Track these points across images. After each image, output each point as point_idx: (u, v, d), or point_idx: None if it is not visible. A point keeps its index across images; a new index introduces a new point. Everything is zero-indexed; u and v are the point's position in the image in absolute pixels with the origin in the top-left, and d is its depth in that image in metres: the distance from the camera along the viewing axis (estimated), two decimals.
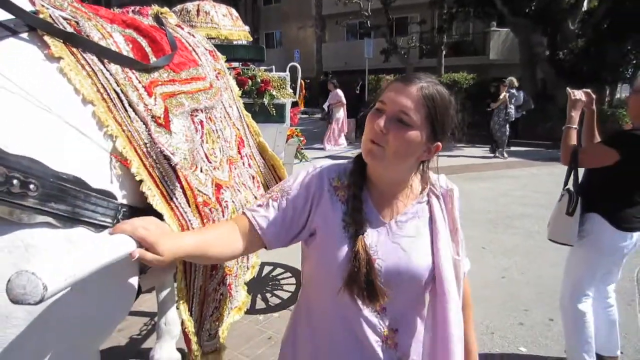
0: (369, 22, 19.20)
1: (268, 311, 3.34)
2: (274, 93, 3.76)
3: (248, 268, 1.88)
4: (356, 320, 1.15)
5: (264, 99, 3.73)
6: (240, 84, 3.48)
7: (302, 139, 4.39)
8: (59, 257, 0.84)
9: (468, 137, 11.74)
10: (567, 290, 2.57)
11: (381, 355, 1.16)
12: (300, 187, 1.18)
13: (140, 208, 1.14)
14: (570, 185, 2.50)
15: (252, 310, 3.33)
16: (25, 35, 1.03)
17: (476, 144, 11.52)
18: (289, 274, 3.93)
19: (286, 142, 4.06)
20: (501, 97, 10.10)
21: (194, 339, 1.41)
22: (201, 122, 1.51)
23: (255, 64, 4.20)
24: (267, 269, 4.02)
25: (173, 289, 2.76)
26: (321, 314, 1.21)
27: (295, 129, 4.27)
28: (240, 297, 1.74)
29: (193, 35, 1.93)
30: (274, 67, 4.18)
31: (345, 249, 1.11)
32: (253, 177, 1.96)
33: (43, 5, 1.11)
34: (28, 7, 1.07)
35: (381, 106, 1.09)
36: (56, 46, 1.06)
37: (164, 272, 1.48)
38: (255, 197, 1.88)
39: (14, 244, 0.88)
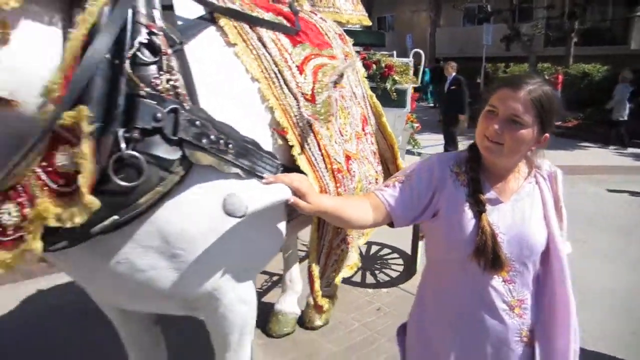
0: (489, 6, 18.24)
1: (377, 286, 3.51)
2: (396, 78, 3.86)
3: (362, 234, 2.11)
4: (485, 289, 1.28)
5: (387, 84, 3.85)
6: (365, 68, 3.62)
7: (417, 125, 4.46)
8: (254, 191, 1.13)
9: (595, 136, 10.82)
10: None
11: (508, 321, 1.28)
12: (423, 172, 1.34)
13: (289, 168, 1.38)
14: None
15: (362, 284, 3.53)
16: (212, 25, 1.31)
17: (605, 144, 10.52)
18: (396, 255, 4.06)
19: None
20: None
21: (317, 281, 1.67)
22: (335, 99, 1.72)
23: (376, 49, 4.33)
24: (375, 247, 4.18)
25: (295, 252, 3.06)
26: (451, 284, 1.35)
27: (412, 114, 4.35)
28: (353, 257, 1.98)
29: (325, 20, 2.16)
30: (395, 52, 4.27)
31: (471, 226, 1.26)
32: (374, 153, 2.15)
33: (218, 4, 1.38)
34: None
35: (493, 109, 1.22)
36: (232, 34, 1.33)
37: (300, 224, 1.74)
38: (376, 171, 2.09)
39: (223, 186, 1.17)
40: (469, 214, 1.27)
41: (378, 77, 3.81)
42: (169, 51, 1.11)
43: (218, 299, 1.32)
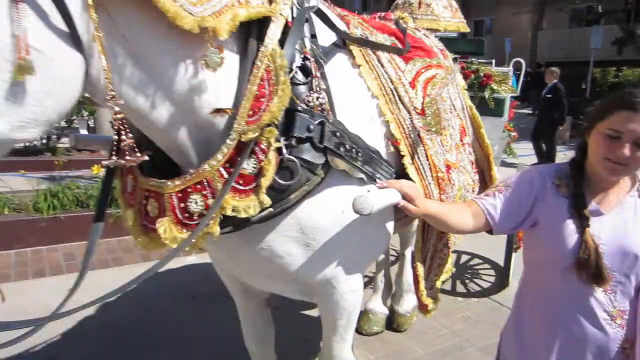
0: (600, 7, 16.94)
1: (467, 295, 3.52)
2: (494, 87, 3.83)
3: (456, 239, 2.19)
4: (585, 298, 1.32)
5: (485, 93, 3.83)
6: (464, 77, 3.63)
7: (513, 134, 4.36)
8: (373, 193, 1.30)
9: None
10: None
11: (609, 331, 1.31)
12: (523, 183, 1.41)
13: (400, 174, 1.54)
14: None
15: (452, 292, 3.55)
16: (343, 49, 1.52)
17: None
18: (487, 266, 4.00)
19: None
20: None
21: (422, 281, 1.80)
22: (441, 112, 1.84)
23: (475, 57, 4.29)
24: (465, 257, 4.16)
25: (387, 255, 3.17)
26: (550, 293, 1.39)
27: (509, 123, 4.27)
28: (450, 262, 2.05)
29: (428, 37, 2.30)
30: (493, 61, 4.22)
31: (573, 239, 1.31)
32: (472, 163, 2.22)
33: (355, 27, 1.59)
34: (343, 28, 1.56)
35: (616, 134, 1.23)
36: (358, 57, 1.52)
37: (400, 226, 1.88)
38: (473, 180, 2.16)
39: (349, 188, 1.37)
40: (570, 226, 1.32)
41: (476, 86, 3.80)
42: (318, 74, 1.32)
43: (334, 287, 1.50)
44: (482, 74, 3.83)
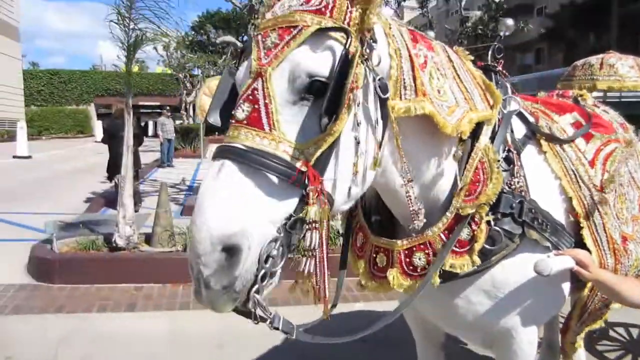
0: None
1: None
2: None
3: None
4: None
5: None
6: None
7: None
8: (552, 258, 1.51)
9: None
10: None
11: None
12: None
13: (577, 243, 1.72)
14: None
15: None
16: (532, 138, 1.78)
17: None
18: None
19: None
20: None
21: (571, 333, 1.97)
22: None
23: None
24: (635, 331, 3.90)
25: (558, 318, 3.08)
26: None
27: None
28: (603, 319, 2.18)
29: (607, 112, 2.43)
30: None
31: None
32: None
33: (539, 122, 1.85)
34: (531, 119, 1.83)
35: None
36: (544, 145, 1.77)
37: (577, 290, 1.97)
38: None
39: (537, 253, 1.58)
40: None
41: None
42: (518, 163, 1.61)
43: (514, 337, 1.69)
44: None
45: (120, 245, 5.28)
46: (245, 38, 20.52)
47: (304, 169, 1.11)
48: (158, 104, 34.20)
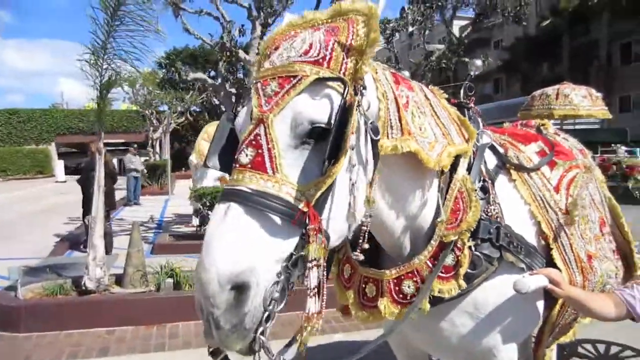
0: None
1: None
2: (639, 177, 4.01)
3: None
4: None
5: (629, 183, 4.04)
6: (605, 169, 3.84)
7: None
8: (528, 278, 1.60)
9: None
10: None
11: None
12: None
13: (549, 264, 1.81)
14: None
15: None
16: (503, 168, 1.90)
17: None
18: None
19: None
20: None
21: (542, 346, 2.07)
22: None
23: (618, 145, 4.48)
24: (615, 349, 4.02)
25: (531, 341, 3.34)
26: None
27: None
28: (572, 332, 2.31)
29: (567, 139, 2.58)
30: (638, 150, 4.40)
31: None
32: (614, 251, 2.43)
33: (508, 152, 1.98)
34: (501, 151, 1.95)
35: None
36: (513, 174, 1.89)
37: (549, 308, 2.05)
38: (616, 267, 2.36)
39: (513, 275, 1.65)
40: None
41: (619, 177, 4.02)
42: (493, 192, 1.73)
43: (495, 357, 1.75)
44: (624, 166, 4.06)
45: (90, 288, 5.08)
46: (212, 74, 20.88)
47: (305, 209, 1.15)
48: (123, 141, 33.59)
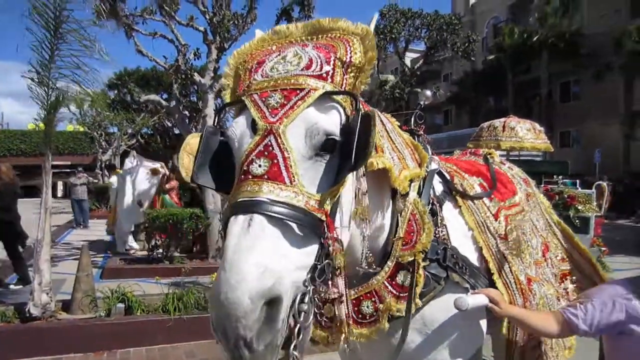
0: None
1: None
2: (579, 207, 4.21)
3: (565, 347, 2.45)
4: None
5: (570, 212, 4.23)
6: (548, 198, 4.03)
7: (604, 249, 4.62)
8: (468, 296, 1.65)
9: None
10: None
11: None
12: (608, 297, 1.72)
13: (492, 285, 1.90)
14: None
15: None
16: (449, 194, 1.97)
17: None
18: None
19: None
20: None
21: None
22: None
23: (560, 177, 4.72)
24: None
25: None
26: None
27: (597, 238, 4.55)
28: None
29: (512, 169, 2.70)
30: (578, 181, 4.63)
31: None
32: (555, 275, 2.55)
33: (454, 184, 2.04)
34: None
35: None
36: (459, 200, 1.97)
37: (493, 326, 2.11)
38: (557, 290, 2.48)
39: (458, 294, 1.69)
40: None
41: (561, 206, 4.20)
42: (442, 215, 1.79)
43: None
44: (566, 196, 4.26)
45: (35, 314, 4.75)
46: (164, 96, 20.49)
47: (323, 218, 1.16)
48: (69, 163, 32.13)
